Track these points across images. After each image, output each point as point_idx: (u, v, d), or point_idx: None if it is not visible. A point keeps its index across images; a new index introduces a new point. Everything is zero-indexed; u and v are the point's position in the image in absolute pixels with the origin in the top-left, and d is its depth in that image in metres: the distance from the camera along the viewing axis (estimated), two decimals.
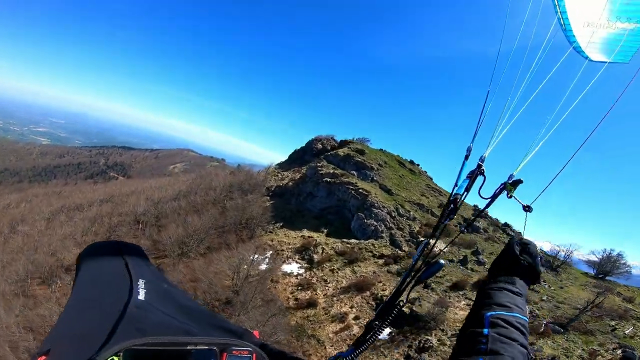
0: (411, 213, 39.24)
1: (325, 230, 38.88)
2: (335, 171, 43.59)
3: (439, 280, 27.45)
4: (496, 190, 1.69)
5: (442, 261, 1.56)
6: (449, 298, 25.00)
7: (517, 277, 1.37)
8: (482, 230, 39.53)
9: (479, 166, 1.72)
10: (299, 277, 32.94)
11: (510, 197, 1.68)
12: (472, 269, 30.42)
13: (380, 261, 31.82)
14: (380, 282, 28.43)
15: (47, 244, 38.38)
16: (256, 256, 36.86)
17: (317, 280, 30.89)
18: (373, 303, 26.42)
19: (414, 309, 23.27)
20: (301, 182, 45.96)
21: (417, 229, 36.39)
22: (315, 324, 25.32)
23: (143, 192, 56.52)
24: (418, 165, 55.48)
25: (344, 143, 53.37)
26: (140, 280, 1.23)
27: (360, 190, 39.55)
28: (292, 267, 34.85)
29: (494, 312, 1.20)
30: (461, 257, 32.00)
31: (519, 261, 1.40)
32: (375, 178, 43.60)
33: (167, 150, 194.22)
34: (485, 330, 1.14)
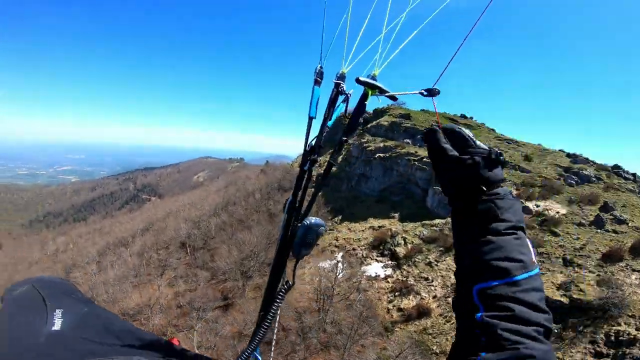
0: None
1: (397, 215, 33.19)
2: (386, 144, 37.31)
3: (581, 253, 21.42)
4: (358, 102, 1.13)
5: (311, 219, 1.14)
6: (612, 274, 18.95)
7: (483, 184, 0.86)
8: (594, 179, 32.17)
9: (337, 85, 1.15)
10: (389, 280, 27.48)
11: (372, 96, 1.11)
12: (614, 231, 23.73)
13: None
14: None
15: (104, 291, 34.95)
16: (327, 263, 31.93)
17: (415, 280, 25.45)
18: None
19: (575, 296, 17.58)
20: (347, 165, 40.11)
21: (514, 191, 29.90)
22: (439, 336, 20.09)
23: (179, 212, 52.75)
24: (472, 118, 48.12)
25: (379, 112, 46.74)
26: (57, 311, 1.18)
27: (424, 159, 33.30)
28: (375, 268, 29.40)
29: (484, 285, 0.80)
30: (591, 218, 25.40)
31: (462, 162, 0.88)
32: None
33: (187, 162, 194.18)
34: (479, 315, 0.77)
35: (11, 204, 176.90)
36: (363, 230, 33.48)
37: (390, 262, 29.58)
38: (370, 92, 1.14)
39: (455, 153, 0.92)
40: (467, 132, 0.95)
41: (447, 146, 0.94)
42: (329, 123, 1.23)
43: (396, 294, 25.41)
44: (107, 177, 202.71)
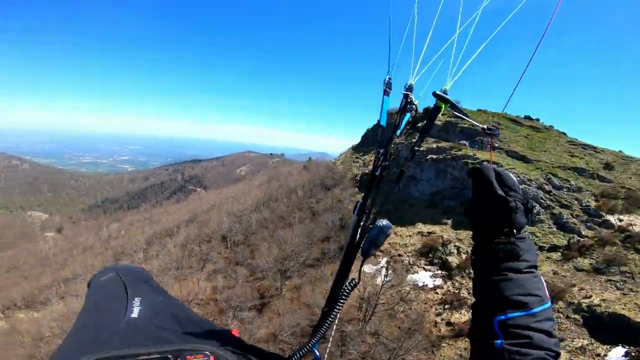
0: (571, 182, 28.53)
1: (449, 222, 30.26)
2: (439, 145, 34.26)
3: None
4: (430, 114, 1.23)
5: (382, 222, 1.18)
6: None
7: (514, 227, 0.97)
8: None
9: (406, 96, 1.23)
10: (439, 291, 24.98)
11: (444, 111, 1.22)
12: None
13: (555, 255, 22.54)
14: (575, 285, 19.44)
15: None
16: (370, 267, 29.87)
17: (469, 293, 22.80)
18: (578, 317, 17.82)
19: None
20: (395, 166, 37.49)
21: (593, 202, 25.94)
22: None
23: (222, 205, 53.13)
24: (537, 120, 43.23)
25: (430, 111, 43.38)
26: (136, 299, 1.29)
27: (484, 162, 29.77)
28: (423, 277, 26.90)
29: (504, 317, 0.90)
30: None
31: (507, 203, 0.97)
32: (496, 144, 33.46)
33: (230, 155, 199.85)
34: (499, 342, 0.88)
35: (74, 189, 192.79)
36: (410, 236, 30.94)
37: (440, 271, 26.99)
38: (443, 106, 1.20)
39: (502, 193, 0.99)
40: (512, 176, 1.04)
41: (497, 185, 1.01)
42: (397, 132, 1.28)
43: (446, 306, 22.99)
44: (159, 168, 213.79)
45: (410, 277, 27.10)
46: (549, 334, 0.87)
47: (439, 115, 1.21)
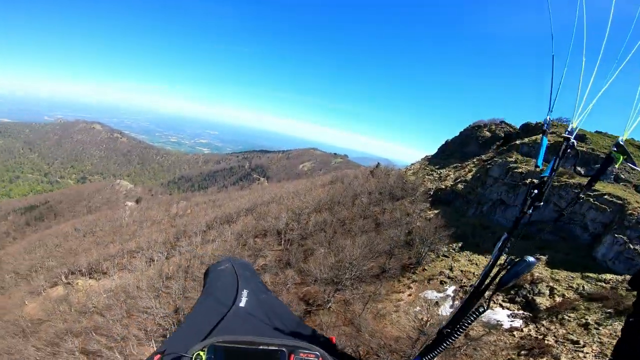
0: None
1: (544, 257, 24.36)
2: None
3: None
4: (604, 161, 1.22)
5: (531, 258, 1.18)
6: None
7: None
8: None
9: (567, 139, 1.24)
10: (516, 334, 20.02)
11: (621, 166, 1.23)
12: None
13: None
14: None
15: (199, 265, 35.09)
16: (433, 294, 25.36)
17: (557, 342, 17.61)
18: None
19: None
20: (479, 185, 31.78)
21: None
22: None
23: (282, 200, 51.70)
24: None
25: (531, 128, 36.51)
26: (245, 291, 1.42)
27: (605, 196, 23.38)
28: (498, 315, 21.84)
29: None
30: None
31: None
32: (622, 176, 26.16)
33: (296, 150, 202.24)
34: None
35: (158, 164, 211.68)
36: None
37: (522, 312, 21.69)
38: (620, 159, 1.17)
39: None
40: None
41: None
42: (545, 172, 1.27)
43: (522, 352, 18.12)
44: (230, 154, 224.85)
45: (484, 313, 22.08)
46: None
47: (614, 165, 1.17)
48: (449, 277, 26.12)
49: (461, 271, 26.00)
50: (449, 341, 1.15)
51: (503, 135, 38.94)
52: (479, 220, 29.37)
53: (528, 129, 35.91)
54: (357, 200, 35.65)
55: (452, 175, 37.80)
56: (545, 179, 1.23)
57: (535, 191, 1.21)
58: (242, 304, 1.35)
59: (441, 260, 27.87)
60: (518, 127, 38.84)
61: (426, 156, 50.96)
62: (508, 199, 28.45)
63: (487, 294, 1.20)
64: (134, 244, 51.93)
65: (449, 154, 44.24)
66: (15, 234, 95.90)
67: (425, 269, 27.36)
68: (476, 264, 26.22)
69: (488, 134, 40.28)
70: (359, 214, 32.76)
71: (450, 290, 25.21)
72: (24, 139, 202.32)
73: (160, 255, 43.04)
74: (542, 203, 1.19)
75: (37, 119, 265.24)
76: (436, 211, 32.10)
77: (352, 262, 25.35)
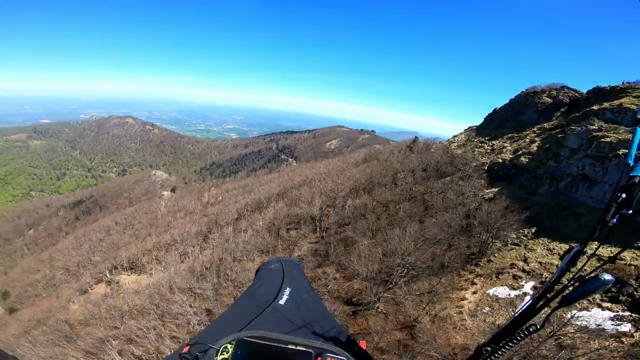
0: None
1: None
2: None
3: None
4: None
5: (607, 276, 0.95)
6: None
7: None
8: None
9: None
10: (625, 340, 15.10)
11: None
12: None
13: None
14: None
15: (230, 260, 32.23)
16: (504, 290, 20.70)
17: None
18: None
19: None
20: (551, 157, 25.73)
21: None
22: None
23: (313, 182, 47.70)
24: None
25: (603, 92, 29.41)
26: (287, 289, 1.40)
27: None
28: (599, 318, 16.79)
29: None
30: None
31: None
32: None
33: (322, 129, 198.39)
34: None
35: (190, 152, 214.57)
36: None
37: (629, 313, 16.56)
38: None
39: None
40: None
41: None
42: (637, 171, 0.95)
43: None
44: (257, 137, 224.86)
45: (576, 314, 17.17)
46: None
47: None
48: (523, 271, 21.02)
49: (540, 263, 20.81)
50: (494, 357, 0.96)
51: (568, 100, 32.05)
52: (555, 200, 23.66)
53: (601, 92, 28.86)
54: (399, 179, 30.73)
55: (508, 147, 31.66)
56: (637, 180, 0.89)
57: (624, 195, 0.90)
58: (281, 302, 1.31)
59: (510, 250, 22.77)
60: (585, 92, 31.82)
61: (470, 127, 44.46)
62: (594, 173, 22.39)
63: (544, 310, 0.96)
64: (168, 236, 50.54)
65: (499, 123, 37.65)
66: (66, 229, 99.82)
67: (491, 261, 22.45)
68: (558, 254, 20.93)
69: (548, 99, 33.43)
70: (403, 195, 27.97)
71: (527, 286, 20.26)
72: (65, 137, 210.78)
73: (193, 250, 40.92)
74: (630, 210, 0.89)
75: (74, 117, 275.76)
76: (495, 189, 26.65)
77: (404, 258, 20.95)
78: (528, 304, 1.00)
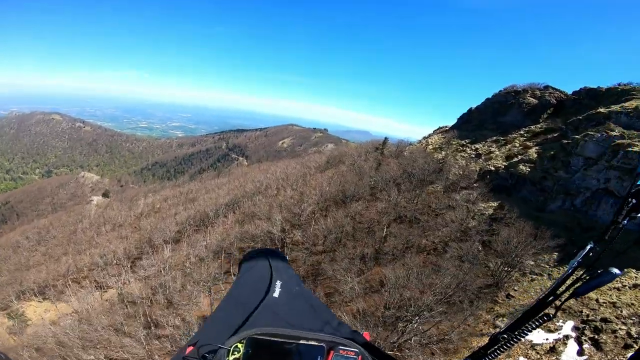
0: None
1: None
2: None
3: None
4: None
5: (616, 270, 1.01)
6: None
7: None
8: None
9: None
10: None
11: None
12: None
13: None
14: None
15: (163, 305, 23.28)
16: (545, 337, 15.23)
17: None
18: None
19: None
20: (560, 167, 20.86)
21: None
22: None
23: (269, 190, 39.62)
24: None
25: (598, 94, 25.85)
26: (278, 282, 1.31)
27: None
28: None
29: None
30: None
31: None
32: None
33: (274, 127, 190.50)
34: None
35: (129, 152, 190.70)
36: (620, 290, 15.53)
37: None
38: None
39: None
40: None
41: None
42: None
43: None
44: (206, 135, 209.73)
45: None
46: None
47: None
48: (556, 308, 15.58)
49: (580, 301, 15.66)
50: (504, 348, 0.98)
51: (555, 101, 28.35)
52: (572, 219, 18.81)
53: (595, 94, 25.25)
54: (379, 190, 24.09)
55: (497, 152, 26.86)
56: None
57: (634, 201, 0.98)
58: (275, 295, 1.23)
59: (532, 281, 17.38)
60: (570, 93, 28.47)
61: (440, 128, 39.74)
62: (620, 189, 17.77)
63: (556, 302, 1.03)
64: (87, 257, 39.08)
65: (477, 124, 33.17)
66: None
67: (512, 296, 16.86)
68: (599, 288, 15.80)
69: (533, 100, 29.60)
70: (389, 213, 21.31)
71: (567, 327, 15.06)
72: None
73: (118, 279, 30.62)
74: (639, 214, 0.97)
75: None
76: (495, 204, 21.24)
77: (412, 309, 14.24)
78: (543, 294, 1.02)
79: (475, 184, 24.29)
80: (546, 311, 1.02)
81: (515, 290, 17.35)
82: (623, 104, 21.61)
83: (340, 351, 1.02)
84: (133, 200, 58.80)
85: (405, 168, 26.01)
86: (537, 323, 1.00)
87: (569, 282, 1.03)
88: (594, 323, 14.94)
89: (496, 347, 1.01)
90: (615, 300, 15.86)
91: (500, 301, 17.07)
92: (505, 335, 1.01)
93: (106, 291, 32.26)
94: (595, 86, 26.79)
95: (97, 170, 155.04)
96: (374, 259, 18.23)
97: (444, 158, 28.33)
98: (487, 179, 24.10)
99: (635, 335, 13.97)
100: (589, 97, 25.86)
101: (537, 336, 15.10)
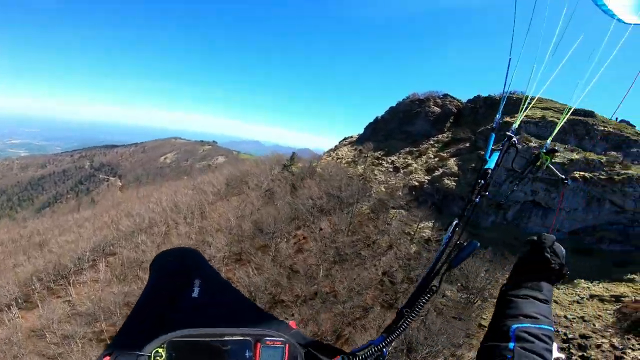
0: None
1: (637, 277, 15.91)
2: (589, 157, 18.39)
3: None
4: (530, 159, 1.43)
5: (476, 242, 1.25)
6: None
7: (545, 280, 1.17)
8: None
9: (510, 138, 1.41)
10: None
11: (545, 167, 1.43)
12: None
13: None
14: None
15: None
16: None
17: None
18: None
19: None
20: (486, 180, 20.95)
21: None
22: None
23: (156, 228, 30.64)
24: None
25: (495, 101, 28.36)
26: (197, 280, 1.25)
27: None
28: None
29: (520, 325, 1.05)
30: None
31: (549, 263, 1.18)
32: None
33: (153, 141, 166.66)
34: (511, 345, 1.00)
35: None
36: (579, 302, 16.04)
37: None
38: (547, 159, 1.40)
39: (548, 256, 1.19)
40: (562, 248, 1.22)
41: (548, 250, 1.19)
42: (490, 164, 1.36)
43: None
44: (61, 154, 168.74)
45: None
46: (549, 347, 1.01)
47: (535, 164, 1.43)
48: (439, 280, 14.78)
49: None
50: (409, 320, 1.14)
51: (455, 109, 30.06)
52: (508, 233, 18.77)
53: (492, 103, 27.56)
54: (309, 224, 19.98)
55: (415, 165, 26.31)
56: (489, 171, 1.32)
57: (482, 182, 1.28)
58: (194, 294, 1.17)
59: (494, 306, 16.30)
60: (465, 102, 30.71)
61: (346, 138, 38.52)
62: (547, 199, 18.50)
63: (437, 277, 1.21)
64: None
65: (386, 134, 32.78)
66: None
67: (483, 325, 15.58)
68: (559, 304, 15.76)
69: (437, 109, 30.74)
70: (327, 254, 17.36)
71: (554, 349, 14.03)
72: None
73: None
74: (487, 193, 1.29)
75: None
76: (429, 224, 19.99)
77: None
78: (427, 270, 1.21)
79: (403, 202, 22.83)
80: (432, 285, 1.17)
81: (484, 318, 16.04)
82: (526, 112, 23.61)
83: (267, 342, 1.00)
84: None
85: (327, 190, 22.71)
86: (427, 297, 1.14)
87: (444, 258, 1.17)
88: (576, 341, 14.67)
89: (402, 320, 1.13)
90: (581, 314, 15.89)
91: (474, 333, 15.36)
92: (407, 309, 1.13)
93: None
94: (486, 94, 29.30)
95: None
96: (323, 311, 13.96)
97: (362, 174, 26.35)
98: (413, 196, 22.96)
99: (619, 347, 13.92)
100: (486, 105, 28.19)
101: None
